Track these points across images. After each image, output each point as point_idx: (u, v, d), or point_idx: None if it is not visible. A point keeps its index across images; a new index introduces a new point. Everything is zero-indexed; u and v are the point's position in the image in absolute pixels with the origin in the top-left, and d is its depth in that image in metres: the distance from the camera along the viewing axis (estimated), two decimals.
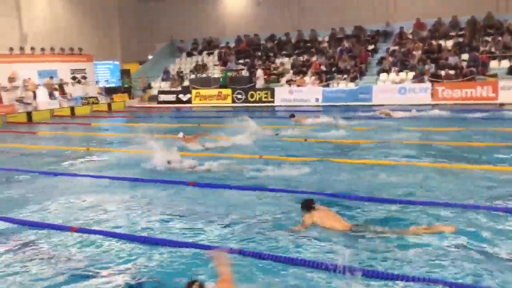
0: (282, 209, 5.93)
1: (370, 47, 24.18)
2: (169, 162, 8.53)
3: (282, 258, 4.44)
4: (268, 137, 11.72)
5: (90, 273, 4.39)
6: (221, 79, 24.46)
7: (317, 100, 21.07)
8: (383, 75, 21.44)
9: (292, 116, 14.73)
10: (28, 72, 21.56)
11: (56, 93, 22.44)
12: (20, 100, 20.42)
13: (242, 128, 12.08)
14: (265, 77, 23.49)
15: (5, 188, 7.87)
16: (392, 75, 21.20)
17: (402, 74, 21.05)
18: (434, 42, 22.30)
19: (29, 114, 19.98)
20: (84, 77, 24.81)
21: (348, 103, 19.87)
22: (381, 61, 22.39)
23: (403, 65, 21.50)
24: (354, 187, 6.86)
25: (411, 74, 20.74)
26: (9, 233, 5.59)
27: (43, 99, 21.59)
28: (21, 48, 22.90)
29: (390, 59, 22.15)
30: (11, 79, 20.86)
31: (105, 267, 4.51)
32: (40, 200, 6.92)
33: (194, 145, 10.59)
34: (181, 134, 10.94)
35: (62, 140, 13.80)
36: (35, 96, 21.05)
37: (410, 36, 23.50)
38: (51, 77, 22.76)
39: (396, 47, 23.01)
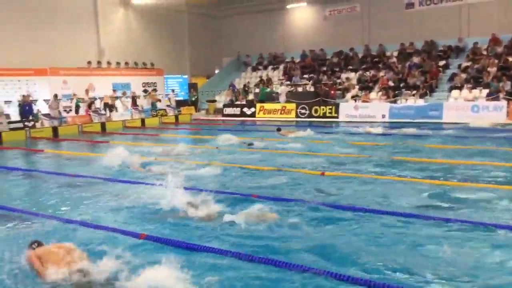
0: None
1: (441, 62, 23.35)
2: None
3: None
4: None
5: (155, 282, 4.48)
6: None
7: (383, 116, 20.59)
8: (455, 92, 20.60)
9: (279, 129, 15.84)
10: (104, 84, 22.91)
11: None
12: (95, 111, 21.63)
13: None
14: (331, 92, 23.36)
15: (77, 192, 8.29)
16: (465, 92, 20.33)
17: (475, 92, 20.12)
18: (510, 59, 21.14)
19: (103, 125, 21.09)
20: (155, 90, 25.89)
21: (417, 120, 19.24)
22: (452, 77, 21.54)
23: (477, 82, 20.56)
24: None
25: (485, 92, 19.77)
26: (78, 237, 5.77)
27: (119, 111, 22.88)
28: (98, 62, 24.34)
29: (463, 75, 21.26)
30: (87, 91, 22.27)
31: (171, 278, 4.58)
32: (110, 206, 7.21)
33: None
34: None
35: (131, 149, 14.33)
36: (110, 108, 22.28)
37: (485, 52, 22.44)
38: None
39: (469, 63, 22.05)
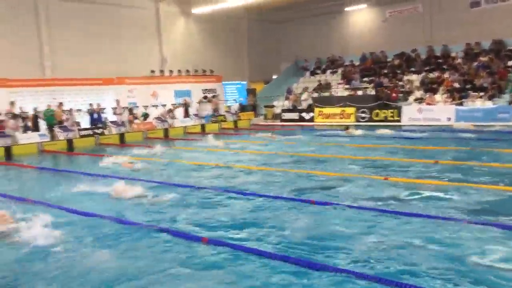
0: None
1: (511, 62, 22.11)
2: None
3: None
4: None
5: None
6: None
7: (449, 119, 19.79)
8: None
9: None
10: (166, 92, 23.71)
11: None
12: (159, 118, 22.39)
13: None
14: (393, 95, 22.78)
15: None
16: None
17: None
18: None
19: (166, 131, 21.80)
20: (214, 97, 26.43)
21: (484, 123, 18.35)
22: None
23: None
24: None
25: None
26: (143, 239, 6.03)
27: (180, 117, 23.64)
28: (161, 71, 25.20)
29: None
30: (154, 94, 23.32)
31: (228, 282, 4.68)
32: (173, 210, 7.44)
33: None
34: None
35: (192, 154, 14.70)
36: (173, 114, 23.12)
37: None
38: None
39: None
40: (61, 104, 19.88)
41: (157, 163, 12.70)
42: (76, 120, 20.13)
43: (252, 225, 6.43)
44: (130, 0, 25.41)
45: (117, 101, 21.56)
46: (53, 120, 19.03)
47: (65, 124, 19.26)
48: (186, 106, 24.36)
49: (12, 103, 18.59)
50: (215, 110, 25.56)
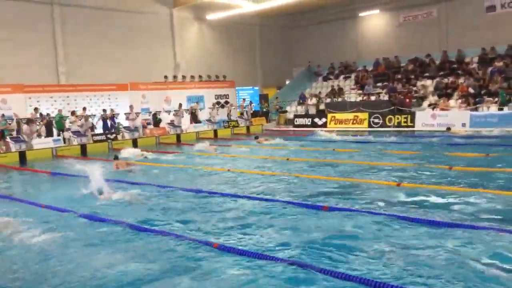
0: None
1: None
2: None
3: None
4: None
5: None
6: None
7: (463, 125, 19.53)
8: None
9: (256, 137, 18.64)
10: (179, 98, 23.82)
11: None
12: (171, 123, 22.50)
13: None
14: (407, 100, 22.57)
15: (155, 202, 8.61)
16: None
17: None
18: None
19: (178, 136, 21.88)
20: (227, 102, 26.49)
21: (500, 129, 18.05)
22: None
23: None
24: None
25: None
26: (153, 244, 6.02)
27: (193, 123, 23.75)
28: (174, 76, 25.36)
29: None
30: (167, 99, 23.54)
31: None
32: (185, 215, 7.43)
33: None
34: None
35: (204, 159, 14.68)
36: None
37: None
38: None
39: None
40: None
41: (165, 168, 12.75)
42: (91, 126, 20.33)
43: (262, 231, 6.39)
44: (144, 6, 25.74)
45: (131, 107, 21.72)
46: (62, 125, 19.36)
47: (79, 129, 19.47)
48: (192, 111, 24.38)
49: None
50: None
